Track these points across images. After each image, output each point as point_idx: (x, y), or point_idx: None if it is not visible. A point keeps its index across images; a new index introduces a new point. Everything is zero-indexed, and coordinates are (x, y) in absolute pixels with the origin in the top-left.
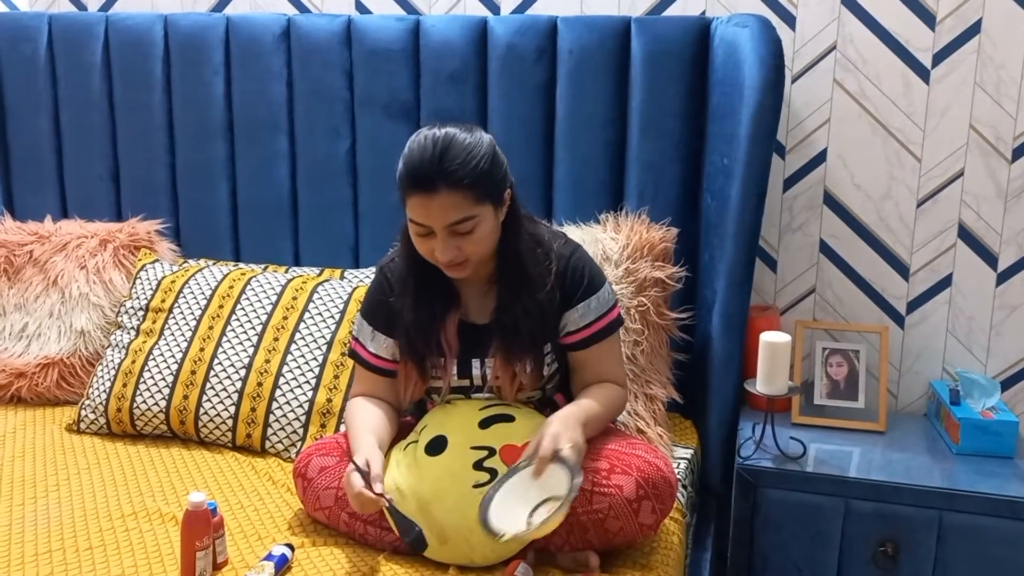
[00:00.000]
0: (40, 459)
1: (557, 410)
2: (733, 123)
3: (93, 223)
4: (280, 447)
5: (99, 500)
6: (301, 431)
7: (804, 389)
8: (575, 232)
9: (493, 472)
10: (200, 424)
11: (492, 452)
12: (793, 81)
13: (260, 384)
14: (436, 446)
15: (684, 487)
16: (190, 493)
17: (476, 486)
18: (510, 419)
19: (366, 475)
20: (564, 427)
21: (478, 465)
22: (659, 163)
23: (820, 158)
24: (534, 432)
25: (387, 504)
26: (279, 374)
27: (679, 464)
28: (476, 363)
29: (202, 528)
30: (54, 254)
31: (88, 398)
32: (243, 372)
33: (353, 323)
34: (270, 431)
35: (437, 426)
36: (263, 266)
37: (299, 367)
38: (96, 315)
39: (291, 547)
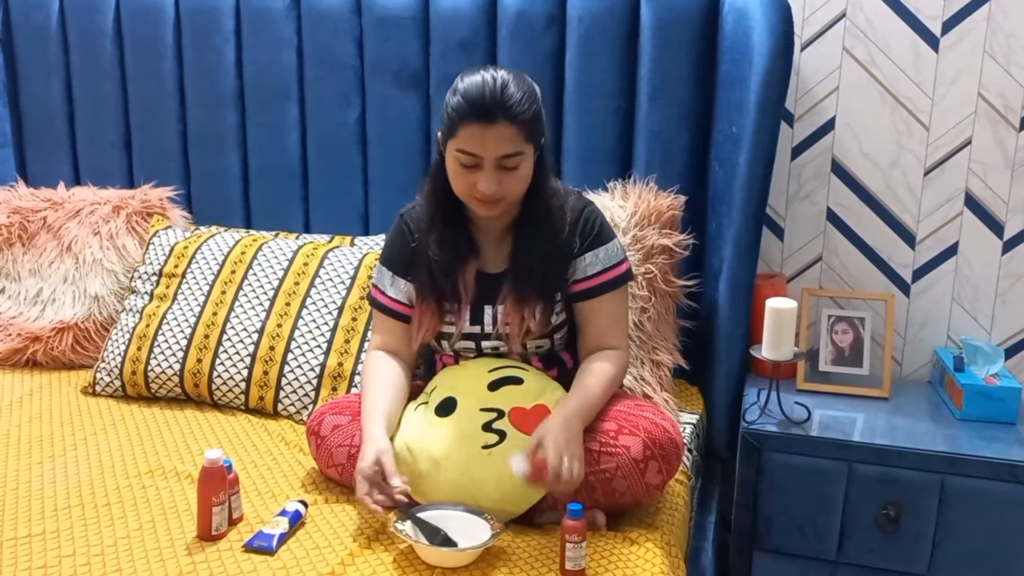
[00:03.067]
0: (57, 420)
1: (563, 369)
2: (742, 91)
3: (106, 190)
4: (292, 410)
5: (115, 459)
6: (313, 394)
7: (809, 356)
8: None
9: (502, 434)
10: (214, 387)
11: (501, 414)
12: (802, 49)
13: (272, 348)
14: (446, 407)
15: (689, 451)
16: (206, 450)
17: (485, 447)
18: (519, 381)
19: (378, 478)
20: (567, 440)
21: (487, 427)
22: (667, 131)
23: (828, 126)
24: (542, 395)
25: (404, 504)
26: (291, 338)
27: (684, 429)
28: (488, 309)
29: (218, 484)
30: (68, 220)
31: (103, 361)
32: (255, 336)
33: (371, 277)
34: (282, 394)
35: (447, 387)
36: (274, 233)
37: (310, 332)
38: (110, 280)
39: (304, 504)
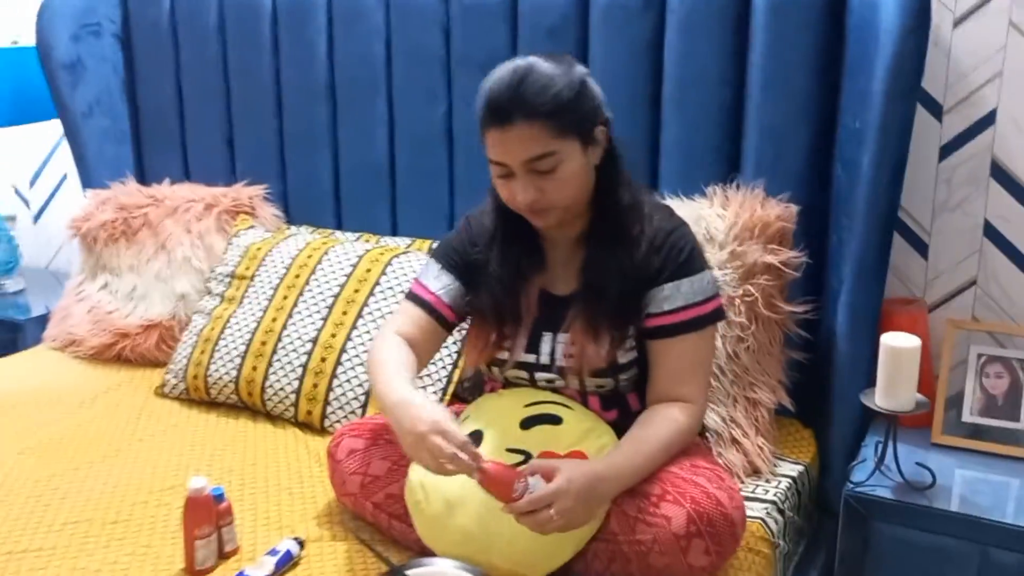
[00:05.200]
0: (117, 422)
1: (626, 412)
2: (867, 77)
3: (206, 187)
4: (338, 427)
5: (149, 469)
6: (360, 411)
7: (951, 403)
8: (676, 208)
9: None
10: (265, 397)
11: (528, 457)
12: (955, 25)
13: (324, 360)
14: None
15: (781, 511)
16: (190, 479)
17: None
18: (556, 420)
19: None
20: (583, 494)
21: None
22: (782, 127)
23: (988, 120)
24: (582, 440)
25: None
26: (343, 350)
27: (779, 483)
28: (547, 337)
29: (203, 516)
30: (166, 217)
31: (173, 363)
32: (309, 346)
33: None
34: (329, 409)
35: (478, 419)
36: (357, 235)
37: (363, 344)
38: (197, 279)
39: (300, 542)
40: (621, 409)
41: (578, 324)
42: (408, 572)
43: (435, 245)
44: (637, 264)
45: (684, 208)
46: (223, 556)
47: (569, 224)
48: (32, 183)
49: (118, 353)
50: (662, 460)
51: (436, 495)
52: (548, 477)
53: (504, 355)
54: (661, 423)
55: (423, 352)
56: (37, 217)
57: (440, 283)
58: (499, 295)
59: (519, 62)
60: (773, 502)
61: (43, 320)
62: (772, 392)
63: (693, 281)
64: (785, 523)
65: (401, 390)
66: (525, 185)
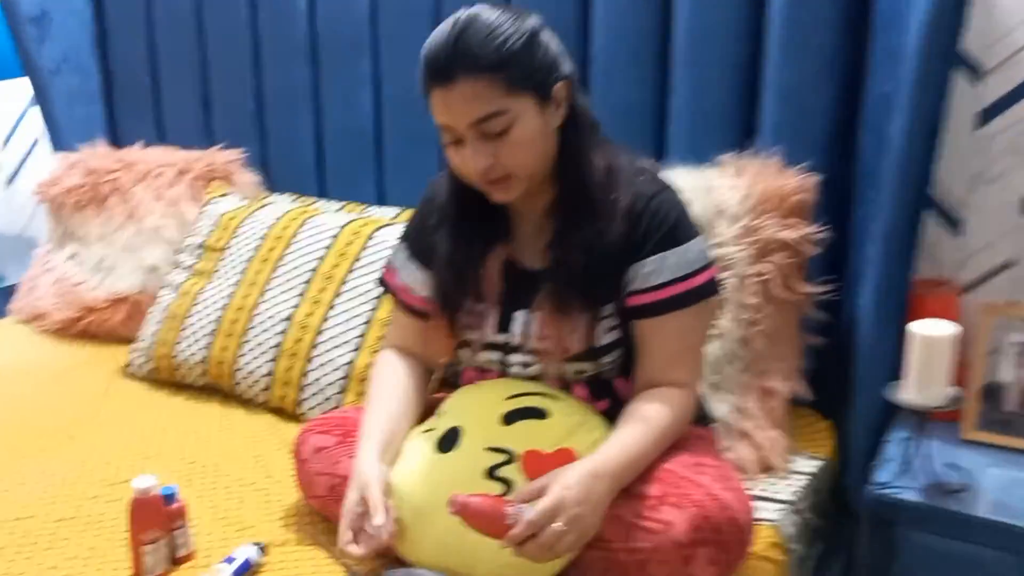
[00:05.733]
0: (79, 404)
1: (616, 401)
2: (898, 33)
3: (179, 151)
4: (313, 414)
5: (107, 458)
6: (337, 398)
7: (987, 394)
8: (685, 178)
9: (508, 484)
10: (236, 380)
11: (511, 458)
12: None
13: (299, 341)
14: (448, 440)
15: (798, 512)
16: (135, 478)
17: None
18: (542, 415)
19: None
20: (580, 499)
21: (491, 473)
22: (803, 89)
23: None
24: (571, 436)
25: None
26: (319, 330)
27: (794, 481)
28: (520, 316)
29: (150, 519)
30: (136, 183)
31: (139, 340)
32: (284, 325)
33: None
34: (304, 395)
35: (457, 412)
36: (341, 204)
37: (340, 324)
38: (167, 251)
39: (261, 548)
40: (611, 399)
41: (547, 304)
42: None
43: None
44: (614, 237)
45: (693, 179)
46: (175, 562)
47: (534, 195)
48: (5, 143)
49: (84, 328)
50: (656, 453)
51: (408, 501)
52: (539, 495)
53: (473, 335)
54: (652, 412)
55: (434, 355)
56: (11, 180)
57: (409, 274)
58: (446, 278)
59: (460, 13)
60: (788, 502)
61: (11, 291)
62: (787, 380)
63: (680, 252)
64: (801, 525)
65: (359, 451)
66: (476, 151)
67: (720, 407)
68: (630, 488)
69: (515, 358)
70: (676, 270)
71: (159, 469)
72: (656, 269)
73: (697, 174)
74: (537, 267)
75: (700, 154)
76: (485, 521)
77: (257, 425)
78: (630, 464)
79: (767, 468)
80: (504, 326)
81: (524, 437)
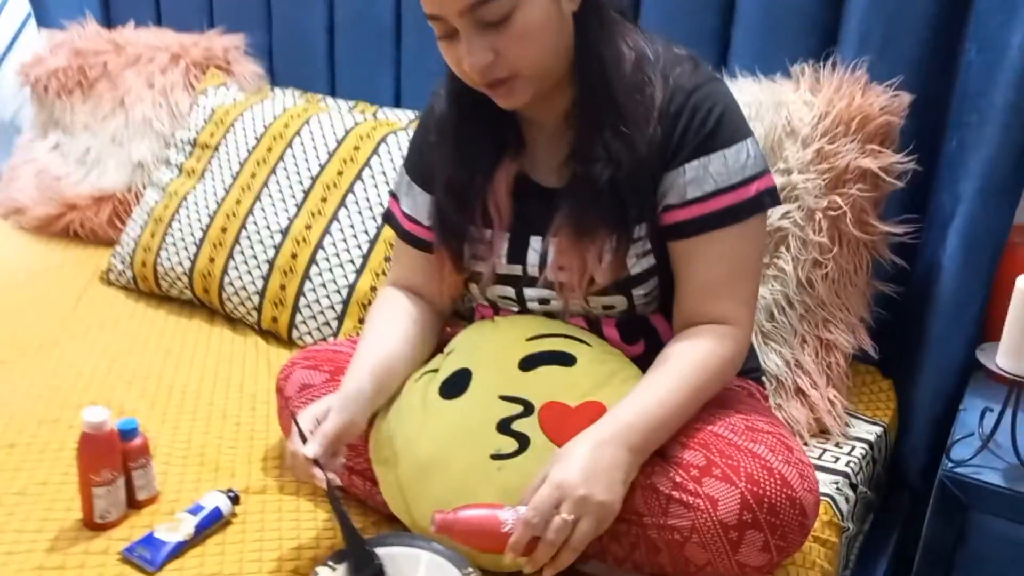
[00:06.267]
0: (50, 312)
1: (654, 343)
2: None
3: (174, 34)
4: (308, 339)
5: (69, 377)
6: (335, 323)
7: None
8: (749, 91)
9: (523, 440)
10: (224, 296)
11: (529, 409)
12: None
13: (295, 256)
14: (456, 384)
15: (854, 487)
16: (85, 409)
17: (495, 457)
18: (568, 360)
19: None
20: (587, 476)
21: (504, 426)
22: None
23: None
24: (602, 386)
25: (331, 498)
26: (319, 246)
27: (851, 449)
28: (536, 241)
29: (102, 457)
30: (126, 68)
31: (121, 244)
32: (278, 238)
33: None
34: (299, 317)
35: (467, 351)
36: (352, 104)
37: (344, 240)
38: (158, 145)
39: (234, 496)
40: (648, 340)
41: (566, 228)
42: (372, 551)
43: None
44: (646, 144)
45: (760, 91)
46: (134, 505)
47: (549, 98)
48: None
49: (65, 227)
50: (694, 409)
51: (407, 454)
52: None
53: (482, 267)
54: (688, 357)
55: (444, 294)
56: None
57: (412, 201)
58: (444, 201)
59: None
60: (844, 474)
61: None
62: (851, 333)
63: (727, 156)
64: (856, 500)
65: (344, 385)
66: (472, 45)
67: (771, 359)
68: (667, 452)
69: (531, 292)
70: (721, 178)
71: (130, 393)
72: (696, 177)
73: (764, 86)
74: (554, 184)
75: (770, 63)
76: (479, 536)
77: (244, 349)
78: (657, 425)
79: (821, 431)
80: (517, 255)
81: (545, 386)
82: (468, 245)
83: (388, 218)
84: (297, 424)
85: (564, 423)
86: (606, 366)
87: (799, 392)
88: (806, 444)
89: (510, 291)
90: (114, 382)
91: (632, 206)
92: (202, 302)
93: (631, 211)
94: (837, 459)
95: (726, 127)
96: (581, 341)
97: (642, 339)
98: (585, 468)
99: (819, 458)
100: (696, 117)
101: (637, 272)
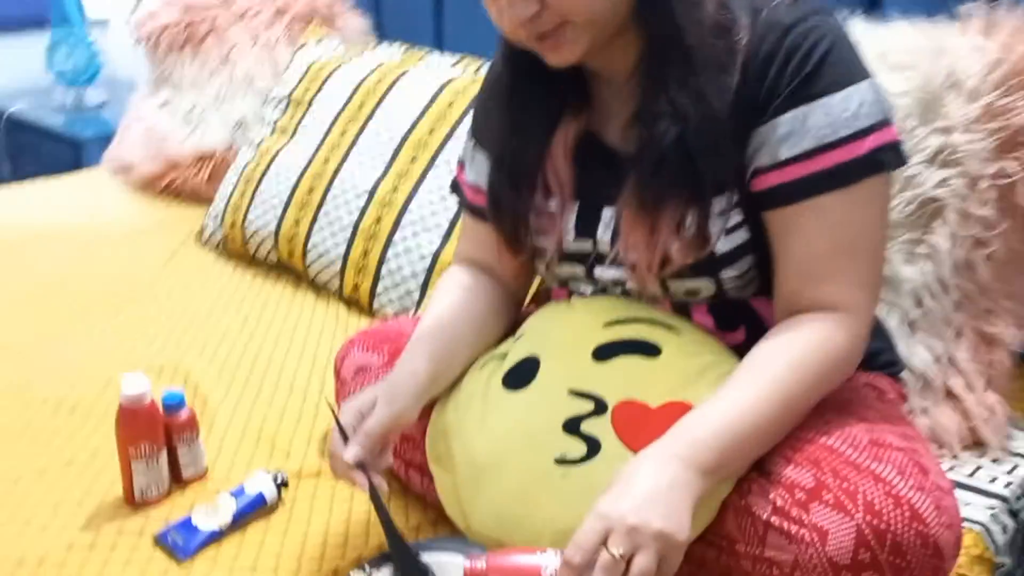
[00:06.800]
0: (139, 271)
1: (757, 329)
2: None
3: None
4: (389, 309)
5: (137, 343)
6: (416, 294)
7: None
8: (906, 36)
9: (593, 444)
10: (308, 260)
11: (601, 408)
12: None
13: (379, 220)
14: (521, 375)
15: (1013, 512)
16: (124, 375)
17: (560, 462)
18: (651, 351)
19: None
20: (632, 505)
21: (572, 426)
22: None
23: None
24: (692, 383)
25: (376, 505)
26: (404, 209)
27: (1015, 468)
28: (608, 213)
29: (141, 430)
30: (233, 23)
31: (214, 205)
32: (363, 200)
33: None
34: (381, 285)
35: (536, 337)
36: (457, 58)
37: (431, 203)
38: (258, 103)
39: (281, 482)
40: (749, 326)
41: (632, 199)
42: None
43: None
44: (722, 94)
45: (918, 36)
46: (179, 483)
47: (613, 50)
48: None
49: (167, 185)
50: (792, 417)
51: (463, 453)
52: None
53: (546, 242)
54: (787, 352)
55: (507, 274)
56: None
57: (476, 169)
58: (511, 146)
59: None
60: (1002, 497)
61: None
62: (1019, 326)
63: (831, 104)
64: (1015, 531)
65: (396, 370)
66: None
67: (918, 353)
68: (767, 467)
69: (604, 272)
70: (823, 132)
71: (200, 359)
72: (792, 132)
73: (924, 31)
74: (624, 148)
75: (932, 3)
76: None
77: (324, 318)
78: (738, 440)
79: (975, 444)
80: (587, 229)
81: (622, 380)
82: (532, 218)
83: (455, 188)
84: (338, 421)
85: (642, 426)
86: (697, 359)
87: (950, 395)
88: (955, 458)
89: (579, 270)
90: (188, 345)
91: (709, 171)
92: (288, 266)
93: (707, 176)
94: (994, 479)
95: (831, 68)
96: (669, 327)
97: (742, 325)
98: (637, 492)
99: (971, 476)
100: (793, 59)
101: (725, 250)
